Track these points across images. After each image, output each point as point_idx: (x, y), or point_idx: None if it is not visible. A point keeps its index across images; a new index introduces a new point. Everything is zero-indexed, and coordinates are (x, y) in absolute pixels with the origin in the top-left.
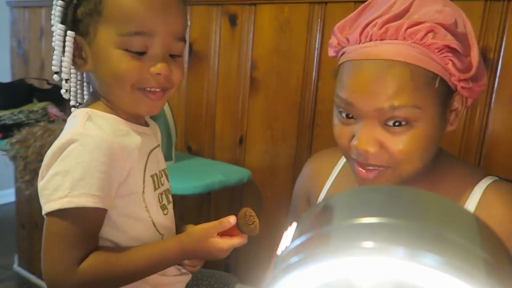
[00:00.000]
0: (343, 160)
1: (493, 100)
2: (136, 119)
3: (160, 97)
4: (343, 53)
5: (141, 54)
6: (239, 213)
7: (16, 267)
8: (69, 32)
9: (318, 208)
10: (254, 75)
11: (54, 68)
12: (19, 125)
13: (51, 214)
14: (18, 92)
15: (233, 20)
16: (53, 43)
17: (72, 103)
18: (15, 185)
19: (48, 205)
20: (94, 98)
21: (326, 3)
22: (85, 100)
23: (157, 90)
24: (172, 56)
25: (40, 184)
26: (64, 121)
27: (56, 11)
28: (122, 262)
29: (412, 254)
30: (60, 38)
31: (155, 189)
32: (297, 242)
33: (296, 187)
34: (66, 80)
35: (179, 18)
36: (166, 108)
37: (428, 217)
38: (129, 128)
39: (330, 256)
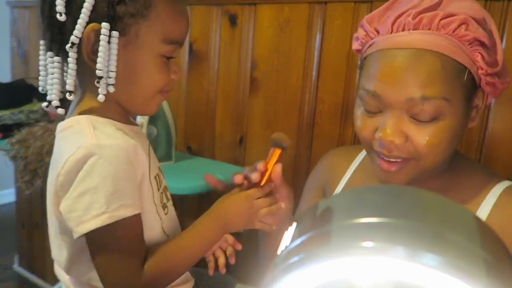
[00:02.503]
0: (360, 157)
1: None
2: (127, 120)
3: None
4: (370, 45)
5: (168, 60)
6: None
7: (16, 267)
8: (114, 33)
9: (318, 208)
10: (254, 75)
11: (100, 73)
12: (19, 125)
13: (91, 233)
14: (18, 92)
15: (233, 20)
16: (73, 37)
17: (56, 103)
18: (15, 185)
19: (83, 226)
20: (82, 99)
21: (326, 3)
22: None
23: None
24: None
25: (65, 207)
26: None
27: (87, 3)
28: (177, 251)
29: (412, 254)
30: (106, 38)
31: (158, 189)
32: (297, 242)
33: (310, 180)
34: (113, 85)
35: None
36: (166, 108)
37: (428, 217)
38: (128, 130)
39: (330, 256)
